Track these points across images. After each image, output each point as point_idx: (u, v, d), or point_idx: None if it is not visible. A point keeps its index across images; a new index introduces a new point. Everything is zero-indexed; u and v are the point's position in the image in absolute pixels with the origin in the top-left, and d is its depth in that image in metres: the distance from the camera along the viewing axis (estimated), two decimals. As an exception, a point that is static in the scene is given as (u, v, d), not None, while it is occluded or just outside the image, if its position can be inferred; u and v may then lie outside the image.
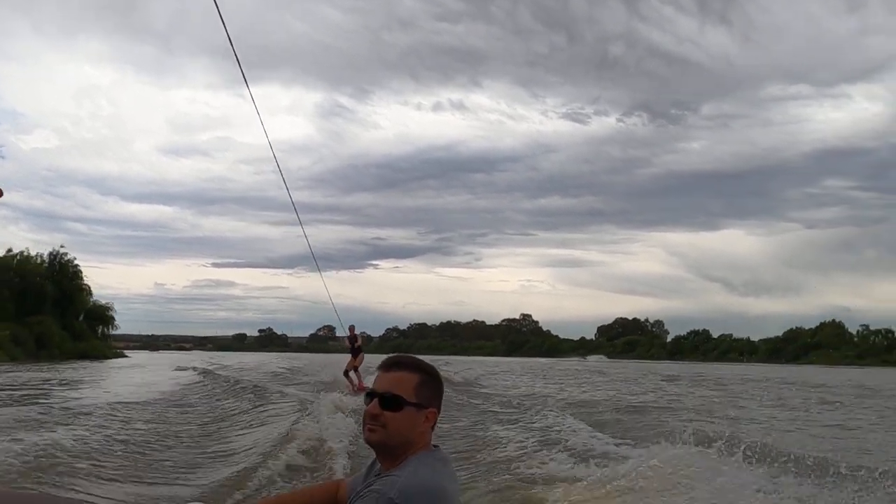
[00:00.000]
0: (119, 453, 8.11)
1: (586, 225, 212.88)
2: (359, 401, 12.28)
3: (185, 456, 8.37)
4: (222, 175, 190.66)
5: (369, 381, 12.45)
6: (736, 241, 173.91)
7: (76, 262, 51.66)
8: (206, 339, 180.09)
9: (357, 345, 17.88)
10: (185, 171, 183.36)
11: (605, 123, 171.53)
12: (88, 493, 5.94)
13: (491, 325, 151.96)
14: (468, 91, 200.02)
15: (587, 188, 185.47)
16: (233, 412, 13.14)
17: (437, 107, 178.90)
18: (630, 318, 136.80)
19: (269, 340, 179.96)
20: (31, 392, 17.27)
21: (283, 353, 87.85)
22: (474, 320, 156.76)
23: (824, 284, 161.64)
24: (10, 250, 48.26)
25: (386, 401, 1.78)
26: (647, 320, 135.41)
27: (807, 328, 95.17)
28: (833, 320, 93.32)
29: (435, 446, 1.85)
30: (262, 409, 13.30)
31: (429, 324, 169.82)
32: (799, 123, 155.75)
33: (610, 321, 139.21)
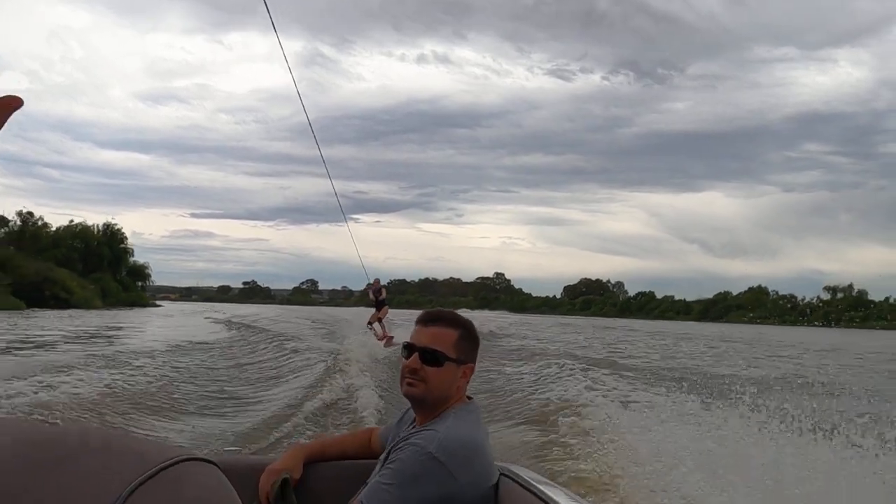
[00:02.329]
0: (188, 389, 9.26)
1: (568, 183, 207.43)
2: (379, 352, 13.36)
3: (229, 398, 8.93)
4: (201, 124, 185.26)
5: (398, 335, 15.38)
6: (715, 203, 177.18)
7: (122, 229, 63.06)
8: (191, 289, 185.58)
9: (381, 297, 18.15)
10: (163, 118, 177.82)
11: (590, 81, 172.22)
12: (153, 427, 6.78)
13: (467, 282, 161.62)
14: (453, 44, 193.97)
15: (570, 146, 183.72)
16: (270, 361, 13.68)
17: (420, 59, 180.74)
18: (594, 278, 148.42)
19: (252, 293, 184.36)
20: (111, 333, 21.42)
21: (278, 306, 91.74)
22: (451, 277, 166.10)
23: (799, 248, 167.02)
24: (71, 221, 59.49)
25: (426, 356, 1.77)
26: (608, 281, 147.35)
27: (735, 293, 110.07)
28: (759, 286, 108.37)
29: (469, 398, 1.86)
30: (296, 357, 13.63)
31: (408, 280, 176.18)
32: (784, 86, 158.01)
33: (577, 281, 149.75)
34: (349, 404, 7.78)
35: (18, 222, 52.65)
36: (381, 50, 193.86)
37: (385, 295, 18.39)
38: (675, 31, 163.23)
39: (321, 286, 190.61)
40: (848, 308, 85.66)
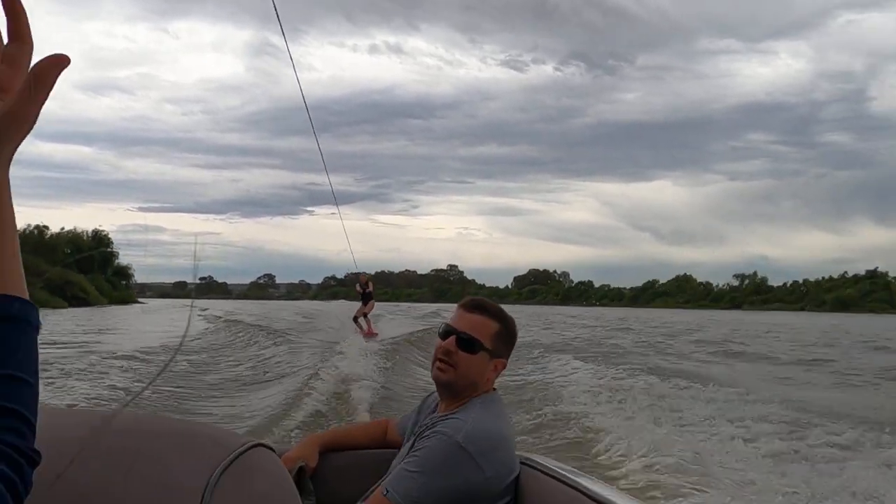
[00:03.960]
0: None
1: (522, 173, 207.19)
2: (373, 346, 13.17)
3: (226, 396, 8.86)
4: (146, 114, 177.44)
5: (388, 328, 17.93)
6: (664, 192, 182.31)
7: (108, 234, 69.79)
8: (145, 285, 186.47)
9: (368, 290, 18.10)
10: (105, 109, 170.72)
11: (543, 72, 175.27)
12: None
13: (421, 275, 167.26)
14: (405, 34, 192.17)
15: (523, 136, 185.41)
16: (263, 353, 13.65)
17: (373, 49, 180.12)
18: (542, 269, 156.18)
19: (209, 288, 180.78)
20: (111, 327, 24.36)
21: (238, 301, 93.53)
22: (407, 270, 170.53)
23: (745, 234, 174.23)
24: (62, 228, 65.96)
25: (463, 341, 1.76)
26: (555, 271, 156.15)
27: (663, 280, 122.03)
28: (685, 274, 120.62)
29: (494, 389, 1.85)
30: (288, 351, 13.59)
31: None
32: (728, 77, 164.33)
33: (527, 271, 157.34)
34: (350, 397, 7.72)
35: (36, 232, 59.20)
36: (332, 40, 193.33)
37: (372, 288, 18.55)
38: (623, 24, 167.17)
39: (278, 280, 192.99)
40: (751, 293, 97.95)
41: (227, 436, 0.68)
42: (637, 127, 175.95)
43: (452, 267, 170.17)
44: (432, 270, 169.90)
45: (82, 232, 67.61)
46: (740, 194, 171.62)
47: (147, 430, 0.67)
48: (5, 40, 0.53)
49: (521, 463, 1.73)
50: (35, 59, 0.55)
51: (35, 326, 0.59)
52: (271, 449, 0.69)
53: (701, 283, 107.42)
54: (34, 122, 0.55)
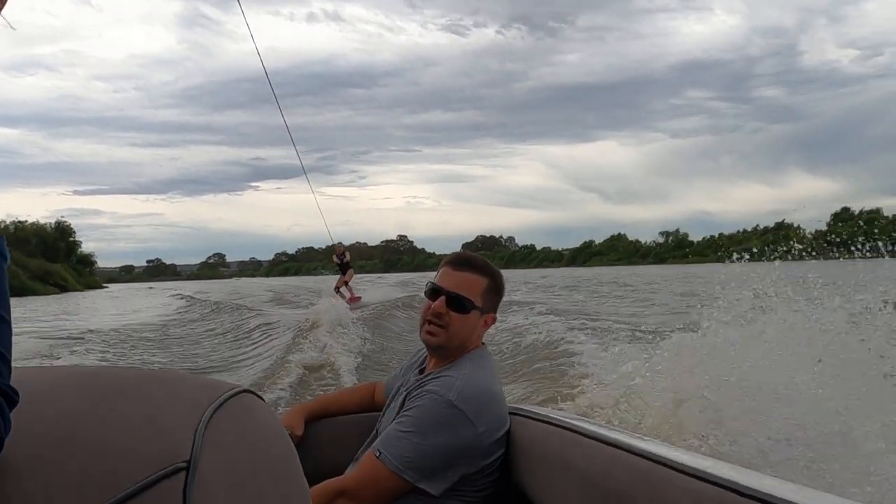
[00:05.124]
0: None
1: (468, 139, 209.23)
2: (355, 314, 13.15)
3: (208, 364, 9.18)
4: (74, 93, 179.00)
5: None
6: (609, 152, 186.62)
7: (71, 225, 73.15)
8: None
9: (346, 261, 18.20)
10: (29, 89, 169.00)
11: (485, 36, 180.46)
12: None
13: (372, 246, 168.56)
14: (343, 0, 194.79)
15: (468, 102, 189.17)
16: (238, 328, 13.81)
17: (310, 17, 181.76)
18: (489, 234, 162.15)
19: (158, 270, 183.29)
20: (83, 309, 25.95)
21: (186, 283, 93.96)
22: (357, 242, 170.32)
23: (687, 190, 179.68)
24: (24, 221, 69.02)
25: (453, 301, 1.71)
26: (501, 236, 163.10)
27: (599, 241, 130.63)
28: (619, 233, 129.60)
29: (482, 344, 1.82)
30: (264, 324, 13.58)
31: (315, 247, 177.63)
32: (666, 36, 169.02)
33: (474, 238, 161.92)
34: (331, 367, 7.60)
35: (12, 228, 62.25)
36: (267, 9, 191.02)
37: (349, 258, 18.57)
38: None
39: (228, 259, 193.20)
40: (673, 248, 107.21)
41: (214, 382, 0.68)
42: (580, 89, 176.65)
43: (402, 237, 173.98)
44: (382, 241, 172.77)
45: (45, 224, 70.64)
46: (681, 151, 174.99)
47: (133, 376, 0.67)
48: None
49: (511, 413, 1.69)
50: None
51: (4, 256, 0.56)
52: (259, 397, 0.69)
53: (632, 242, 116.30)
54: None
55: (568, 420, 1.52)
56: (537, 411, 1.68)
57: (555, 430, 1.51)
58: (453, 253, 1.85)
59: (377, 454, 1.60)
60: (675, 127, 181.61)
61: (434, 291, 1.74)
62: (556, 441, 1.47)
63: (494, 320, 1.80)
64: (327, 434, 1.97)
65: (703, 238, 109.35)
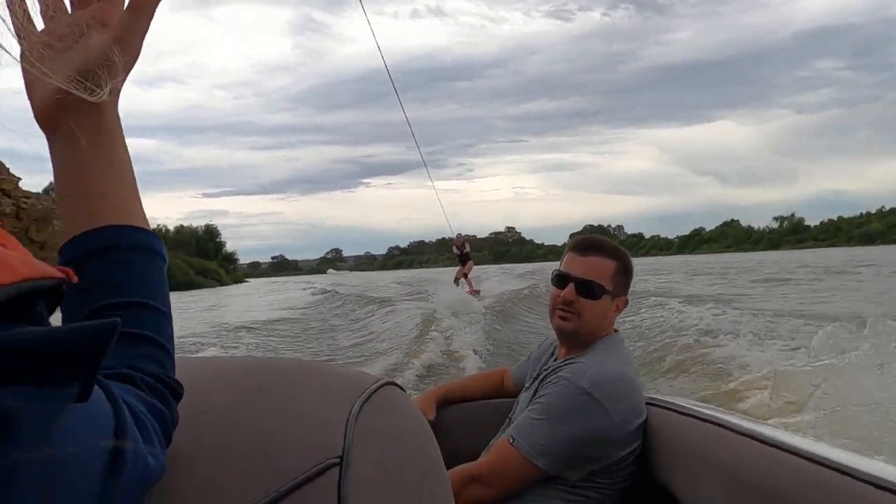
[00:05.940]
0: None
1: (575, 127, 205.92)
2: (479, 304, 13.44)
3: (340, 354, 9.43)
4: (199, 103, 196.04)
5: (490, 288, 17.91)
6: (727, 132, 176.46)
7: (217, 227, 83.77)
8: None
9: (465, 252, 18.01)
10: (160, 101, 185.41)
11: (590, 19, 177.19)
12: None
13: (481, 238, 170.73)
14: None
15: (573, 88, 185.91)
16: (368, 317, 14.32)
17: (414, 14, 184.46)
18: (597, 224, 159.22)
19: (281, 266, 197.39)
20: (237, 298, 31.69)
21: (315, 276, 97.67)
22: (466, 234, 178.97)
23: (815, 170, 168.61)
24: (182, 226, 79.98)
25: (582, 287, 1.68)
26: (609, 225, 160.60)
27: (709, 228, 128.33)
28: (731, 219, 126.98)
29: (615, 330, 1.78)
30: (392, 314, 13.99)
31: (426, 241, 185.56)
32: (789, 3, 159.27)
33: (581, 227, 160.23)
34: (458, 355, 7.71)
35: (173, 231, 73.24)
36: (371, 9, 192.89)
37: (468, 249, 18.31)
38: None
39: (345, 254, 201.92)
40: (788, 233, 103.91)
41: (360, 374, 0.69)
42: (693, 67, 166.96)
43: (510, 229, 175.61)
44: (491, 234, 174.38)
45: (196, 227, 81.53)
46: (808, 128, 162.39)
47: (284, 368, 0.68)
48: None
49: (648, 404, 1.63)
50: None
51: (162, 256, 0.59)
52: (401, 388, 0.69)
53: (744, 228, 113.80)
54: (139, 53, 0.56)
55: (713, 413, 1.42)
56: (678, 402, 1.58)
57: (698, 424, 1.41)
58: (577, 237, 1.82)
59: (510, 440, 1.59)
60: (801, 101, 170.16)
61: (561, 278, 1.71)
62: (699, 435, 1.39)
63: (626, 303, 1.77)
64: (458, 419, 1.99)
65: (821, 222, 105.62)
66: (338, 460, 0.57)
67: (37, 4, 0.52)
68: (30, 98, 0.55)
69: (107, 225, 0.55)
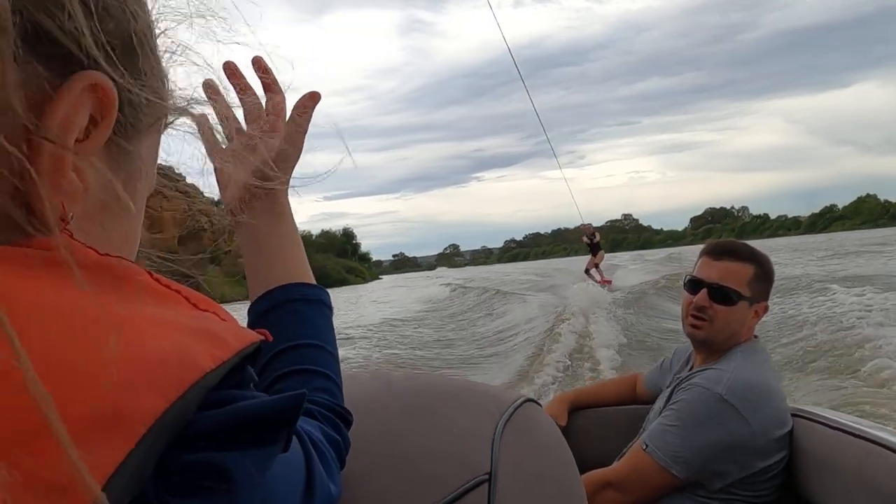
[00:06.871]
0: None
1: (691, 104, 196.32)
2: (611, 297, 12.91)
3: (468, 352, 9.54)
4: (317, 110, 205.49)
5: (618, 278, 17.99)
6: (865, 96, 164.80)
7: (353, 230, 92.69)
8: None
9: (595, 241, 17.79)
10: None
11: None
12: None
13: (597, 227, 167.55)
14: None
15: (687, 64, 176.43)
16: (501, 313, 14.02)
17: (517, 3, 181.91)
18: (718, 206, 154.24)
19: (402, 263, 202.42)
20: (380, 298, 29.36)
21: (451, 271, 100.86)
22: (581, 224, 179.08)
23: None
24: (323, 230, 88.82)
25: (715, 293, 1.64)
26: (732, 207, 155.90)
27: (842, 205, 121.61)
28: (867, 194, 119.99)
29: (755, 337, 1.72)
30: (523, 307, 13.86)
31: (542, 232, 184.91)
32: None
33: (703, 211, 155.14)
34: (591, 353, 7.54)
35: (315, 236, 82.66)
36: (474, 3, 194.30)
37: (599, 238, 18.09)
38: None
39: (462, 248, 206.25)
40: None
41: (500, 391, 0.71)
42: (820, 29, 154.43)
43: (626, 216, 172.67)
44: (607, 222, 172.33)
45: (334, 231, 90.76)
46: None
47: (432, 386, 0.71)
48: (263, 97, 0.69)
49: (793, 415, 1.56)
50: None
51: (328, 306, 0.68)
52: (538, 404, 0.71)
53: (880, 203, 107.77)
54: (302, 146, 0.70)
55: (867, 430, 1.33)
56: (828, 416, 1.51)
57: (851, 440, 1.33)
58: (711, 241, 1.79)
59: (644, 446, 1.57)
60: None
61: (694, 283, 1.68)
62: (852, 452, 1.32)
63: (766, 309, 1.70)
64: (589, 425, 1.97)
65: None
66: (487, 476, 0.60)
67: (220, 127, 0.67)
68: (221, 193, 0.70)
69: (283, 284, 0.67)
